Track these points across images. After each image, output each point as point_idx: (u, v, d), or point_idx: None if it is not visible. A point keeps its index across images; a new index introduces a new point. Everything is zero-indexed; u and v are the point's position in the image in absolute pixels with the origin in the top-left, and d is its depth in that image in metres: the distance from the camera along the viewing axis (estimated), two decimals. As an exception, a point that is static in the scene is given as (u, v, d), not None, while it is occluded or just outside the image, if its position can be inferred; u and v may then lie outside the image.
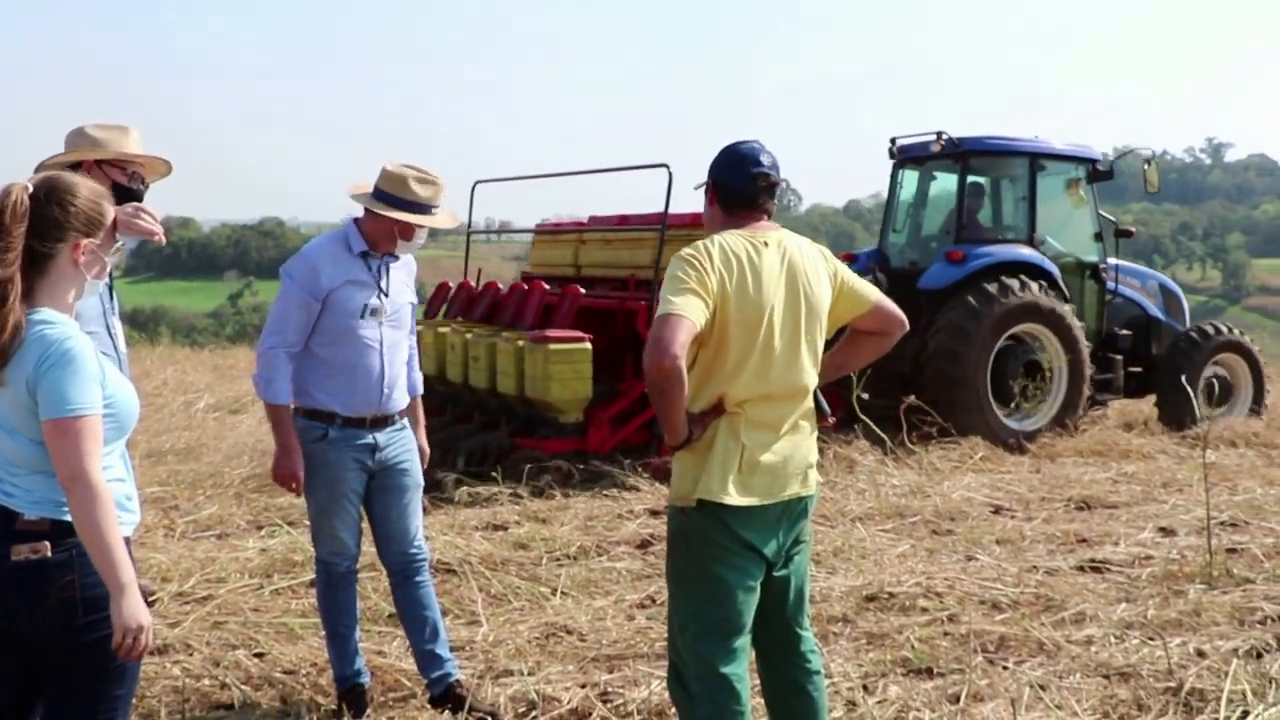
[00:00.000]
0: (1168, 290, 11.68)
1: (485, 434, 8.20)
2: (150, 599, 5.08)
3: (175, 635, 4.68)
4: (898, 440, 8.79)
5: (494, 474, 7.57)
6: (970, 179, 10.46)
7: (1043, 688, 4.21)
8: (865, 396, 8.71)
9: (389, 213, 3.94)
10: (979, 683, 4.24)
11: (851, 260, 10.94)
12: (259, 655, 4.55)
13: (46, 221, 2.52)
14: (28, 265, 2.49)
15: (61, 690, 2.52)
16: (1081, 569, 5.93)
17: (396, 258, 4.09)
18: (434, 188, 3.98)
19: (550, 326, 8.11)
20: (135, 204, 3.66)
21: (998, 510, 7.39)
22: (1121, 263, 11.23)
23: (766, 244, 3.09)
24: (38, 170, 3.69)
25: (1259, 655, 4.56)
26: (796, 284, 3.10)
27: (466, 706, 3.97)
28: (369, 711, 4.06)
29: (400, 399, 4.11)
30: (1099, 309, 10.91)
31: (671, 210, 8.33)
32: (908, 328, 3.41)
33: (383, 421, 4.04)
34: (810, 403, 3.18)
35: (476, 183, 10.31)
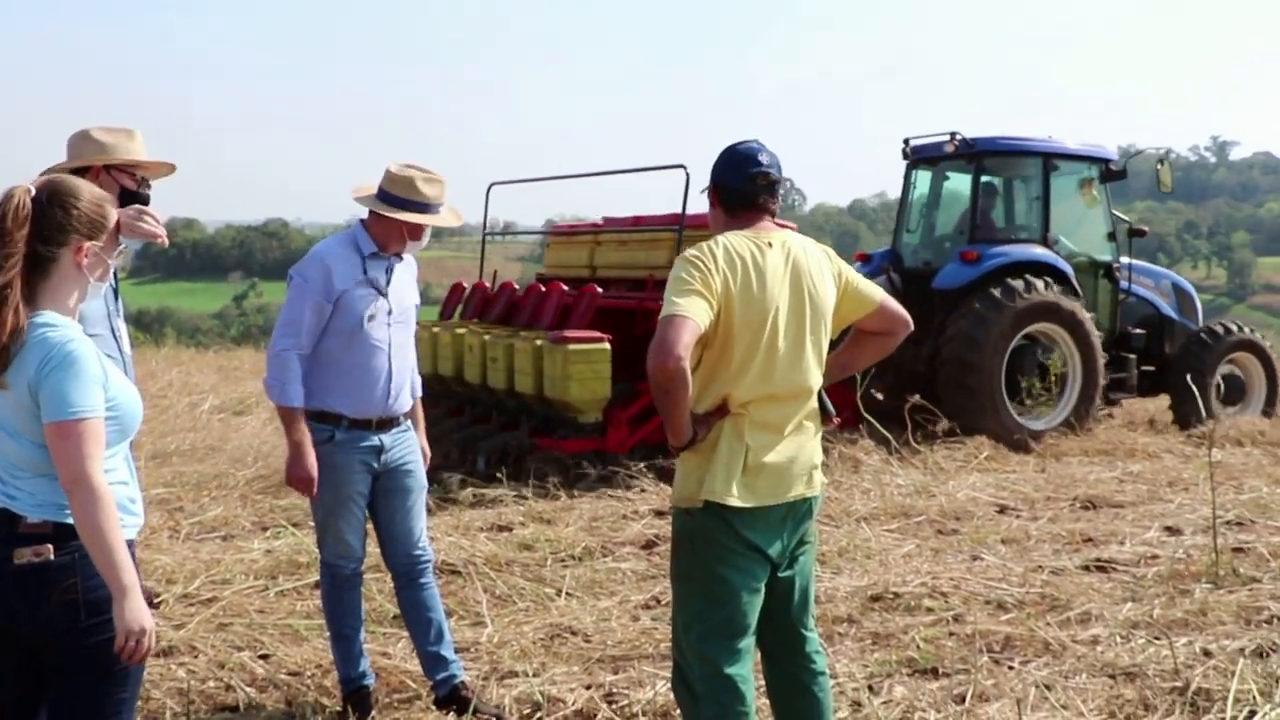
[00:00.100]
0: (1180, 289, 11.70)
1: (505, 434, 8.21)
2: (155, 601, 5.09)
3: (180, 637, 4.68)
4: (903, 440, 8.78)
5: (498, 475, 7.58)
6: (984, 179, 10.50)
7: (1048, 688, 4.20)
8: (880, 396, 8.73)
9: (398, 214, 3.96)
10: (984, 683, 4.23)
11: (866, 260, 11.00)
12: (264, 657, 4.55)
13: (49, 224, 2.52)
14: (30, 268, 2.49)
15: (64, 693, 2.52)
16: (1087, 568, 5.92)
17: (401, 258, 4.10)
18: (439, 186, 4.02)
19: (568, 327, 8.13)
20: (138, 206, 3.67)
21: (1003, 510, 7.38)
22: (1135, 262, 11.27)
23: (770, 244, 3.08)
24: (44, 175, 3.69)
25: (1265, 655, 4.54)
26: (801, 284, 3.09)
27: (471, 708, 3.97)
28: (374, 713, 4.06)
29: (406, 400, 4.12)
30: (1112, 308, 10.93)
31: (688, 211, 8.35)
32: (912, 328, 3.41)
33: (388, 423, 4.04)
34: (815, 403, 3.18)
35: (492, 185, 10.36)
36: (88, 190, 2.61)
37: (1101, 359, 10.13)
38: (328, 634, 4.21)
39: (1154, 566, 5.89)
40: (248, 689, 4.23)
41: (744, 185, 3.14)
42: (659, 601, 5.25)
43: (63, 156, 4.09)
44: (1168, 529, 6.75)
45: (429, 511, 4.71)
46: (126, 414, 2.57)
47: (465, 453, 8.18)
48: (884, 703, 4.09)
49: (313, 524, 4.23)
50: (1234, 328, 11.21)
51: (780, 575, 3.13)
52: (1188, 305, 11.61)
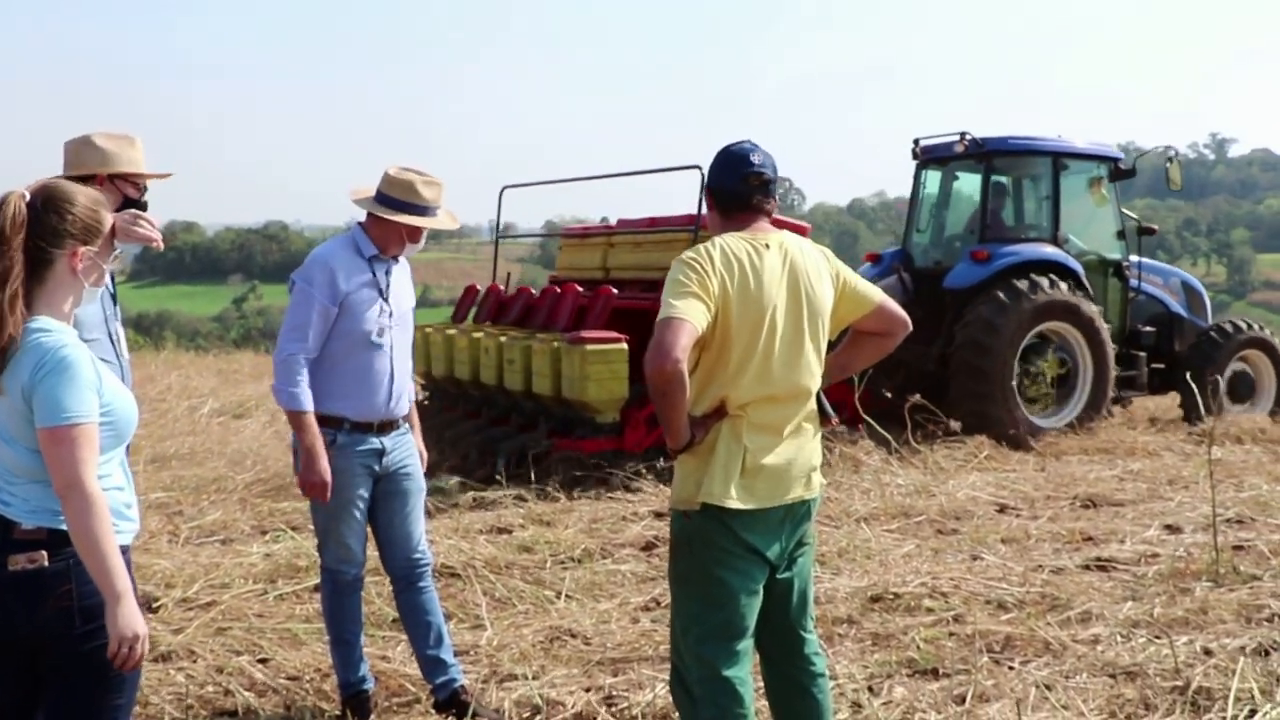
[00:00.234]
0: (1190, 287, 11.74)
1: (523, 435, 8.22)
2: (154, 606, 5.08)
3: (179, 642, 4.67)
4: (903, 439, 8.78)
5: (497, 476, 7.57)
6: (994, 179, 10.54)
7: (1048, 688, 4.20)
8: (890, 396, 8.73)
9: (399, 217, 3.97)
10: (984, 683, 4.23)
11: (876, 261, 11.05)
12: (263, 661, 4.54)
13: (44, 229, 2.52)
14: (26, 273, 2.49)
15: (61, 697, 2.52)
16: (1087, 567, 5.91)
17: (398, 260, 4.12)
18: (436, 189, 4.05)
19: (585, 328, 8.14)
20: (133, 211, 3.65)
21: (1003, 509, 7.37)
22: (1144, 260, 11.32)
23: (768, 246, 3.08)
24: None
25: (1266, 653, 4.53)
26: (798, 286, 3.09)
27: (470, 712, 3.97)
28: (373, 718, 4.06)
29: (406, 403, 4.12)
30: (1122, 306, 10.99)
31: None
32: (910, 328, 3.40)
33: (389, 426, 4.04)
34: (814, 405, 3.17)
35: (504, 188, 10.39)
36: (83, 195, 2.60)
37: (1113, 357, 10.17)
38: (327, 638, 4.20)
39: (1154, 565, 5.88)
40: (246, 693, 4.22)
41: (738, 186, 3.14)
42: (659, 603, 5.25)
43: (60, 156, 4.07)
44: (1168, 527, 6.74)
45: (427, 514, 4.70)
46: (121, 419, 2.57)
47: (484, 455, 8.19)
48: (884, 704, 4.08)
49: (312, 528, 4.22)
50: (1243, 325, 11.25)
51: (779, 577, 3.12)
52: (1197, 303, 11.65)
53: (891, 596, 5.31)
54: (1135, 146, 25.01)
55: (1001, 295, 9.63)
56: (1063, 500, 7.61)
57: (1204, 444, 8.75)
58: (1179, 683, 4.20)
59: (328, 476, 3.87)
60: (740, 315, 2.99)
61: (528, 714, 4.09)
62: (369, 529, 4.13)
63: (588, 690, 4.23)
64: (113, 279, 3.72)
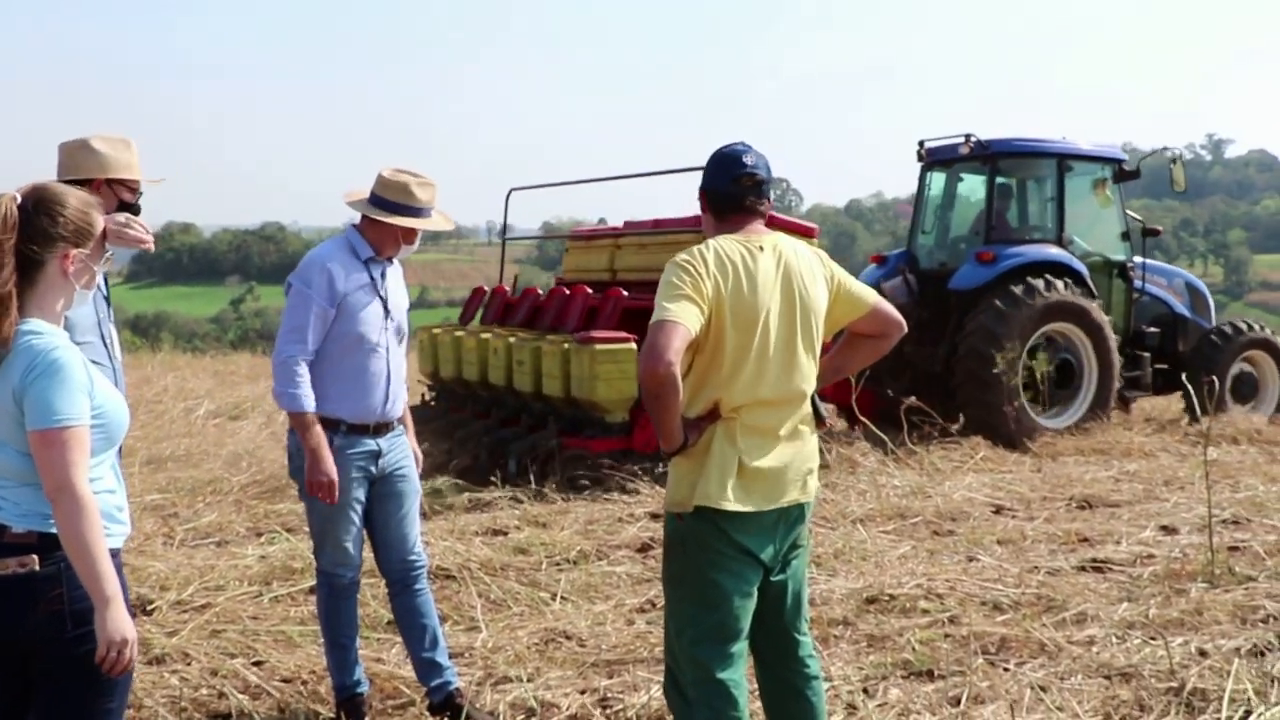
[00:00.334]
0: (1194, 288, 11.77)
1: (533, 436, 8.23)
2: (149, 608, 5.07)
3: (173, 644, 4.66)
4: (899, 441, 8.78)
5: (493, 478, 7.57)
6: (999, 180, 10.57)
7: (1044, 689, 4.19)
8: (895, 396, 8.73)
9: (394, 219, 3.97)
10: (980, 685, 4.22)
11: (881, 262, 11.07)
12: (257, 664, 4.53)
13: (36, 232, 2.51)
14: (17, 275, 2.48)
15: (51, 700, 2.51)
16: (1083, 569, 5.91)
17: (392, 262, 4.12)
18: (430, 190, 4.06)
19: (594, 328, 8.15)
20: (126, 214, 3.65)
21: (999, 510, 7.38)
22: (1148, 261, 11.35)
23: (762, 248, 3.07)
24: None
25: (1261, 654, 4.53)
26: (792, 288, 3.08)
27: (465, 714, 3.96)
28: (367, 720, 4.05)
29: (401, 404, 4.12)
30: (1127, 307, 11.01)
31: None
32: (905, 330, 3.39)
33: (385, 428, 4.04)
34: (809, 407, 3.16)
35: (511, 190, 10.43)
36: (74, 197, 2.60)
37: (1117, 358, 10.19)
38: (322, 641, 4.19)
39: (1150, 566, 5.88)
40: (241, 696, 4.21)
41: (730, 188, 3.13)
42: (654, 605, 5.24)
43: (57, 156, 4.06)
44: (1163, 528, 6.74)
45: (422, 516, 4.69)
46: (112, 422, 2.56)
47: (495, 456, 8.20)
48: (879, 705, 4.08)
49: (307, 529, 4.21)
50: (1246, 326, 11.27)
51: (773, 579, 3.12)
52: (1201, 304, 11.68)
53: (887, 598, 5.30)
54: (1132, 147, 25.02)
55: (1007, 297, 9.68)
56: (1058, 501, 7.61)
57: (1200, 445, 8.76)
58: (1174, 684, 4.20)
59: (334, 475, 3.86)
60: (734, 318, 2.99)
61: (522, 716, 4.08)
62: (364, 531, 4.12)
63: (583, 692, 4.23)
64: (106, 281, 3.71)
